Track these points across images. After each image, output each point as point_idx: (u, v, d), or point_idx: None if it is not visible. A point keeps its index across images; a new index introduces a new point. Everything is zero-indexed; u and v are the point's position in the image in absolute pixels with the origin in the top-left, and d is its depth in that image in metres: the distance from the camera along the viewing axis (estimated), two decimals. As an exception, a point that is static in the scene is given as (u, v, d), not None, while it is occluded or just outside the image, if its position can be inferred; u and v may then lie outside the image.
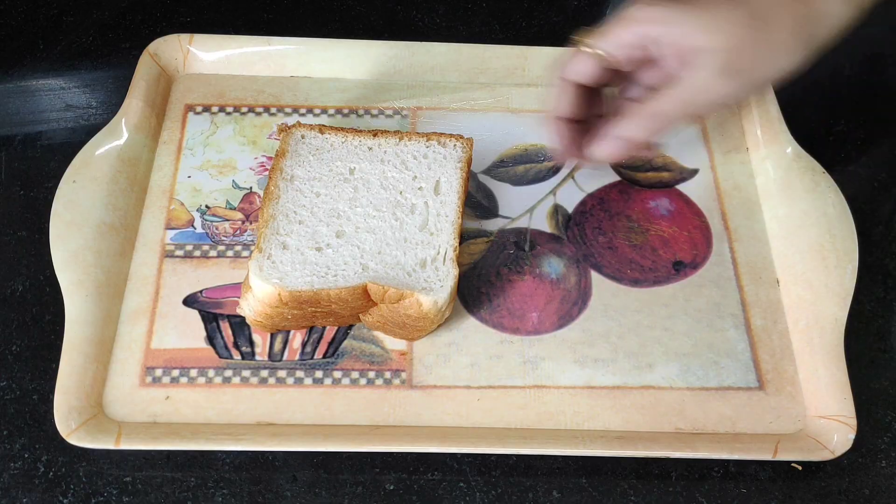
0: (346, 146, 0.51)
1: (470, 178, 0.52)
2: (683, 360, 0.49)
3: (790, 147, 0.55)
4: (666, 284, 0.52)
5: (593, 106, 0.49)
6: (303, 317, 0.47)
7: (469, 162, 0.51)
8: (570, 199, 0.55)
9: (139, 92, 0.55)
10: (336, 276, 0.45)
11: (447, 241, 0.47)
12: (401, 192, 0.49)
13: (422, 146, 0.51)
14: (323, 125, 0.52)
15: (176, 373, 0.47)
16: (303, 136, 0.51)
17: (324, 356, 0.48)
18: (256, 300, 0.45)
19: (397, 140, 0.51)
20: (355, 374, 0.48)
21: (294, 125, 0.52)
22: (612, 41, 0.45)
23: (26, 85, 0.60)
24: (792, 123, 0.56)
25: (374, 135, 0.51)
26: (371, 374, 0.48)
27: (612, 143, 0.47)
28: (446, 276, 0.46)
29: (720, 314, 0.51)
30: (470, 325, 0.50)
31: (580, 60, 0.47)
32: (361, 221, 0.47)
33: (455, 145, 0.51)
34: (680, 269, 0.53)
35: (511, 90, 0.59)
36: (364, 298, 0.45)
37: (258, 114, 0.57)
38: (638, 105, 0.46)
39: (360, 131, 0.51)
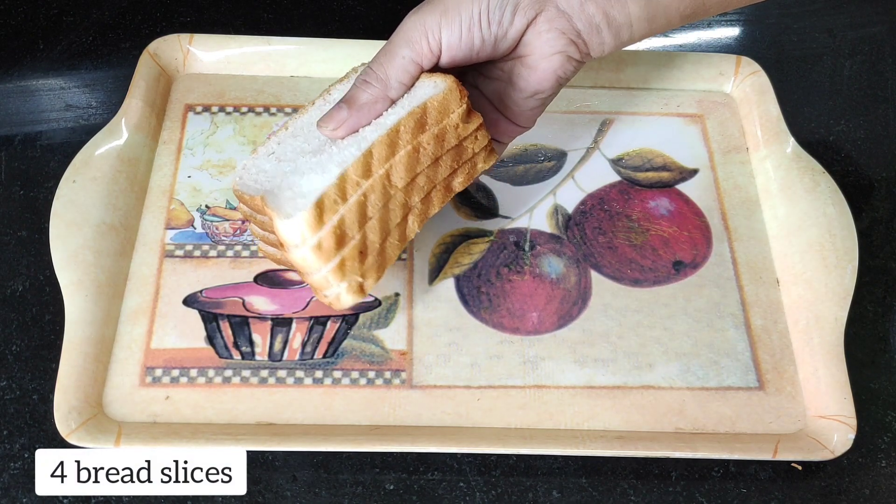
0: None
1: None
2: (683, 360, 0.49)
3: (790, 147, 0.55)
4: (666, 284, 0.52)
5: None
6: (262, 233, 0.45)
7: (444, 106, 0.42)
8: (570, 198, 0.55)
9: (139, 92, 0.55)
10: (257, 183, 0.42)
11: (332, 177, 0.39)
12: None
13: (430, 86, 0.43)
14: None
15: (176, 373, 0.47)
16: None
17: (324, 356, 0.48)
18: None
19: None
20: (355, 374, 0.48)
21: None
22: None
23: (26, 85, 0.60)
24: (792, 123, 0.56)
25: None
26: (371, 374, 0.48)
27: (335, 111, 0.42)
28: (301, 209, 0.39)
29: (720, 314, 0.51)
30: (470, 325, 0.50)
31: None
32: (332, 147, 0.42)
33: (435, 84, 0.43)
34: (680, 269, 0.53)
35: (511, 90, 0.59)
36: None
37: (258, 114, 0.57)
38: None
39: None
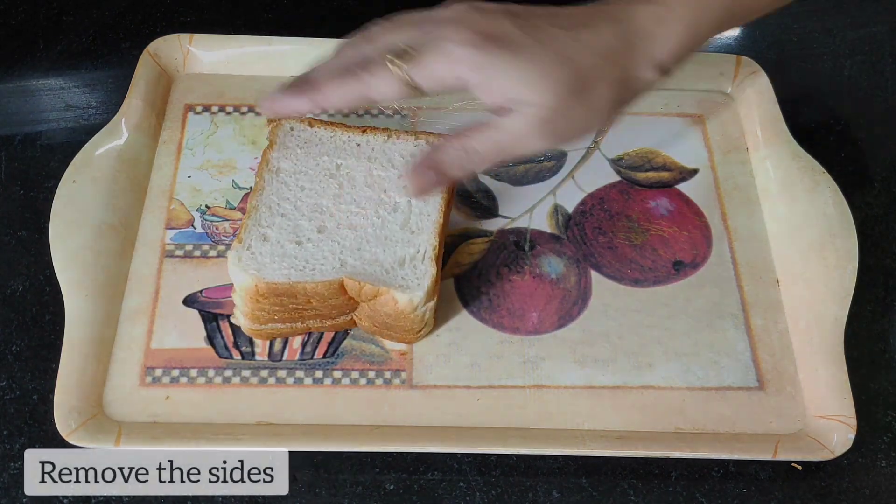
0: (335, 141, 0.50)
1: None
2: (683, 360, 0.49)
3: (790, 147, 0.55)
4: (666, 284, 0.52)
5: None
6: (289, 315, 0.46)
7: None
8: (570, 198, 0.55)
9: (139, 92, 0.55)
10: (314, 269, 0.45)
11: (427, 240, 0.46)
12: (385, 191, 0.48)
13: (410, 145, 0.50)
14: (313, 118, 0.51)
15: (176, 373, 0.47)
16: (291, 129, 0.50)
17: (324, 356, 0.48)
18: (237, 294, 0.45)
19: (385, 137, 0.50)
20: (355, 374, 0.48)
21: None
22: (425, 73, 0.40)
23: (26, 85, 0.60)
24: (792, 123, 0.56)
25: (363, 131, 0.50)
26: (371, 374, 0.48)
27: (423, 174, 0.43)
28: (424, 275, 0.45)
29: (720, 314, 0.51)
30: (470, 325, 0.50)
31: (385, 79, 0.41)
32: (343, 218, 0.47)
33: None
34: (680, 269, 0.53)
35: (511, 90, 0.59)
36: (342, 294, 0.45)
37: (258, 114, 0.57)
38: (452, 138, 0.43)
39: (350, 126, 0.51)
